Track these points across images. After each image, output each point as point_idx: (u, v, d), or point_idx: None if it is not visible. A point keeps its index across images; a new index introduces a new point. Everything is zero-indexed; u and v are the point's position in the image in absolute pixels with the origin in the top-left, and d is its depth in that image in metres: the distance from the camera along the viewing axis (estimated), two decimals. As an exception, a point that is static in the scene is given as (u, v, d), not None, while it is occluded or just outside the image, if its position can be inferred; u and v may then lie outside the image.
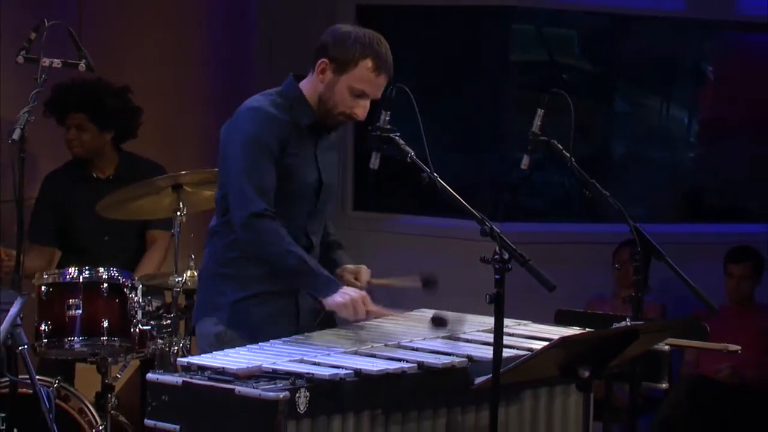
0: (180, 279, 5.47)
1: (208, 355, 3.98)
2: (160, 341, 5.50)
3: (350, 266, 4.56)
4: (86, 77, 5.60)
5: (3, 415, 5.11)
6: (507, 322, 4.12)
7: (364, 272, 4.54)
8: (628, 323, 4.43)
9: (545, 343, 4.09)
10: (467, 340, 4.36)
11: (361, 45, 4.36)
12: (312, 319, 4.51)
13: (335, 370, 3.84)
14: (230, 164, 4.36)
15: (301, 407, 3.72)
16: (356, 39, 4.37)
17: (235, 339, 4.32)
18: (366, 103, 4.40)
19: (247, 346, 4.16)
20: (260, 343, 4.20)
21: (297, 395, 3.71)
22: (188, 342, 5.46)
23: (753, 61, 8.32)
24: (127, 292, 5.43)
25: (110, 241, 6.04)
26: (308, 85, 4.44)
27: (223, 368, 3.83)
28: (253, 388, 3.71)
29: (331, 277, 4.38)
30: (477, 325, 4.54)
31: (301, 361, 3.93)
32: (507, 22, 7.58)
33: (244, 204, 4.31)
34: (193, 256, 5.48)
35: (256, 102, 4.41)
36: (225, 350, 4.06)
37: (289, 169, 4.39)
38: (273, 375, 3.82)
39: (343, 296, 4.30)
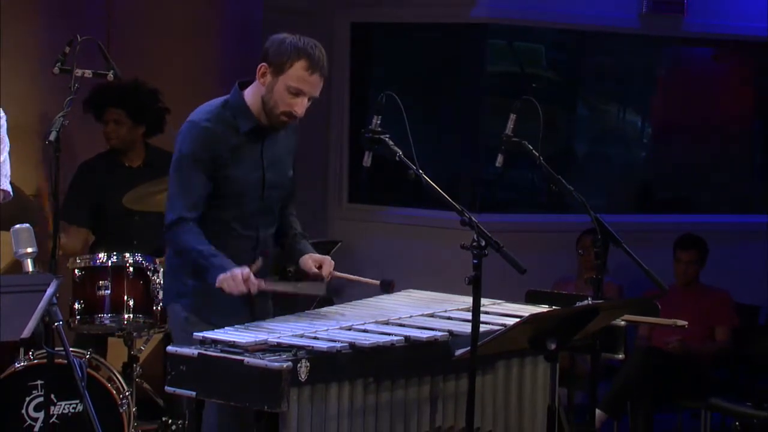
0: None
1: (221, 331, 3.93)
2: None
3: (315, 255, 4.36)
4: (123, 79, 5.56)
5: (42, 382, 5.10)
6: (483, 301, 4.11)
7: (328, 263, 4.32)
8: (590, 302, 4.42)
9: (517, 320, 4.06)
10: (449, 318, 4.34)
11: (295, 48, 4.17)
12: (265, 303, 4.39)
13: (332, 344, 3.81)
14: (170, 177, 4.28)
15: (302, 376, 3.69)
16: (290, 43, 4.18)
17: (199, 323, 4.18)
18: (303, 101, 4.20)
19: (255, 322, 4.10)
20: (266, 320, 4.16)
21: (299, 365, 3.68)
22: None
23: (697, 72, 8.35)
24: (150, 275, 5.40)
25: (139, 221, 5.94)
26: (253, 90, 4.27)
27: (234, 342, 3.81)
28: (260, 359, 3.69)
29: (223, 265, 4.11)
30: (457, 304, 4.52)
31: (302, 336, 3.90)
32: (483, 38, 7.56)
33: (167, 216, 4.24)
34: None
35: (195, 115, 4.27)
36: (235, 326, 4.00)
37: (233, 172, 4.24)
38: (277, 348, 3.80)
39: (224, 274, 4.09)
